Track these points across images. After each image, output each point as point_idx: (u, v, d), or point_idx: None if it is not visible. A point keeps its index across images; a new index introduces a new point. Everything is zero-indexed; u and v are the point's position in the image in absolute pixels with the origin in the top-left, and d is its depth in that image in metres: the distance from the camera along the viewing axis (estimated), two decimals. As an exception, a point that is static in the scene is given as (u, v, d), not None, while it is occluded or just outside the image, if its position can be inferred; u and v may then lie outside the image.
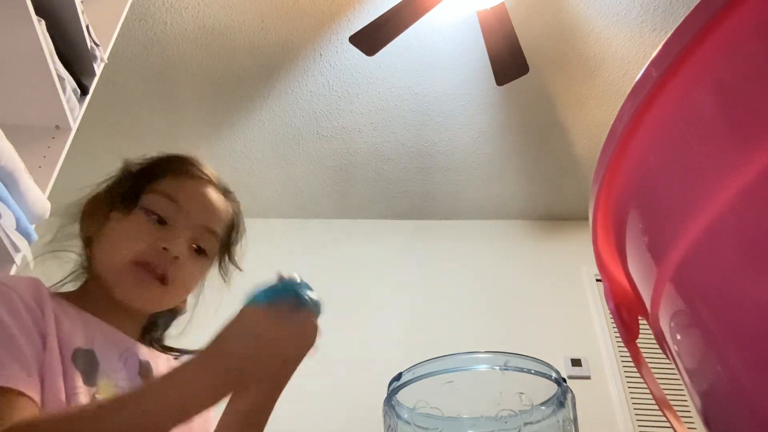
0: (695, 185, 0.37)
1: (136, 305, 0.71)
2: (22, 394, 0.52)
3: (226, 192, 0.79)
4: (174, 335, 0.81)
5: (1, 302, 0.59)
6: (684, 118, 0.38)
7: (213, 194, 0.75)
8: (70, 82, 1.33)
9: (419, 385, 0.78)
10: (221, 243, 0.77)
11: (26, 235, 1.12)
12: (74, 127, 1.37)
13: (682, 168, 0.39)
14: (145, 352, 0.71)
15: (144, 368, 0.68)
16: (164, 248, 0.68)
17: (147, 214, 0.70)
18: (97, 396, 0.60)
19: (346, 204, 3.04)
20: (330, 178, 2.88)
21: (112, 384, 0.63)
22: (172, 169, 0.75)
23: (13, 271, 1.10)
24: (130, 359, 0.67)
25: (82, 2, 1.34)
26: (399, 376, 0.81)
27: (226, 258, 0.80)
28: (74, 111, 1.36)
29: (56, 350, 0.59)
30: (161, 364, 0.73)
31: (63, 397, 0.57)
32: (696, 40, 0.35)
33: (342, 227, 3.08)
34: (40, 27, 1.16)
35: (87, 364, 0.62)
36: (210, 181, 0.76)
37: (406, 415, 0.78)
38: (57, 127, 1.34)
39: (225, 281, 0.81)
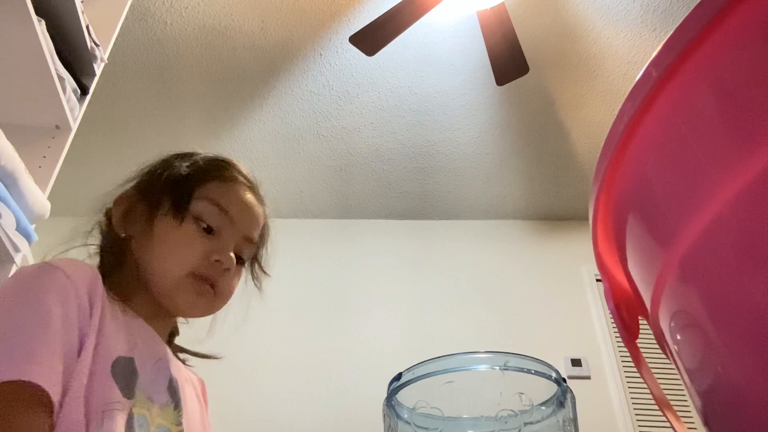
0: (695, 185, 0.37)
1: (189, 314, 0.72)
2: (44, 393, 0.50)
3: (260, 196, 0.79)
4: (199, 338, 0.81)
5: (56, 291, 0.57)
6: (684, 118, 0.38)
7: (254, 201, 0.76)
8: (70, 82, 1.33)
9: (419, 385, 0.78)
10: (256, 248, 0.79)
11: (26, 235, 1.12)
12: (74, 127, 1.37)
13: (681, 168, 0.39)
14: (172, 362, 0.71)
15: (172, 384, 0.68)
16: (217, 260, 0.69)
17: (197, 222, 0.70)
18: (133, 410, 0.58)
19: (346, 204, 3.04)
20: (330, 178, 2.88)
21: (146, 397, 0.61)
22: (220, 174, 0.75)
23: (12, 271, 1.10)
24: (162, 371, 0.67)
25: (82, 2, 1.34)
26: (399, 376, 0.81)
27: (256, 265, 0.82)
28: (74, 111, 1.36)
29: (91, 357, 0.56)
30: (183, 380, 0.72)
31: (96, 410, 0.54)
32: (696, 40, 0.35)
33: (342, 227, 3.08)
34: (40, 27, 1.16)
35: (127, 374, 0.60)
36: (251, 187, 0.77)
37: (406, 415, 0.78)
38: (57, 127, 1.34)
39: (258, 288, 0.82)
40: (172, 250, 0.69)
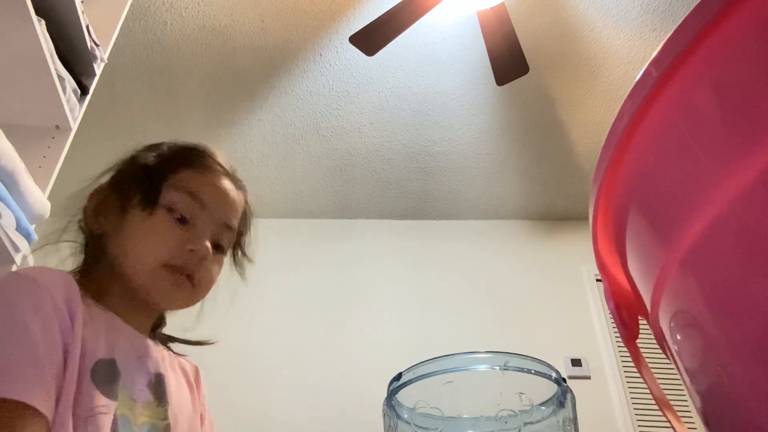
0: (695, 185, 0.37)
1: (168, 307, 0.71)
2: (37, 412, 0.49)
3: (237, 182, 0.78)
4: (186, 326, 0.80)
5: (31, 305, 0.55)
6: (684, 118, 0.38)
7: (229, 187, 0.74)
8: (70, 82, 1.33)
9: (419, 385, 0.78)
10: (236, 235, 0.77)
11: (26, 235, 1.12)
12: (74, 127, 1.37)
13: (682, 168, 0.39)
14: (155, 355, 0.70)
15: (156, 380, 0.67)
16: (191, 250, 0.67)
17: (170, 212, 0.68)
18: (117, 411, 0.57)
19: (346, 204, 3.04)
20: (330, 178, 2.88)
21: (128, 396, 0.61)
22: (191, 162, 0.73)
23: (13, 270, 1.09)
24: (143, 367, 0.66)
25: (82, 2, 1.34)
26: (399, 376, 0.81)
27: (239, 251, 0.80)
28: (74, 111, 1.36)
29: (76, 365, 0.55)
30: (169, 372, 0.71)
31: (80, 417, 0.53)
32: (696, 40, 0.35)
33: (342, 227, 3.08)
34: (40, 27, 1.16)
35: (108, 376, 0.59)
36: (226, 173, 0.75)
37: (406, 415, 0.78)
38: (57, 127, 1.34)
39: (241, 276, 0.81)
40: (144, 242, 0.67)
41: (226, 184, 0.74)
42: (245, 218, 0.78)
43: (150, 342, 0.70)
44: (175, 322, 0.79)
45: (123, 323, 0.66)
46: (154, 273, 0.66)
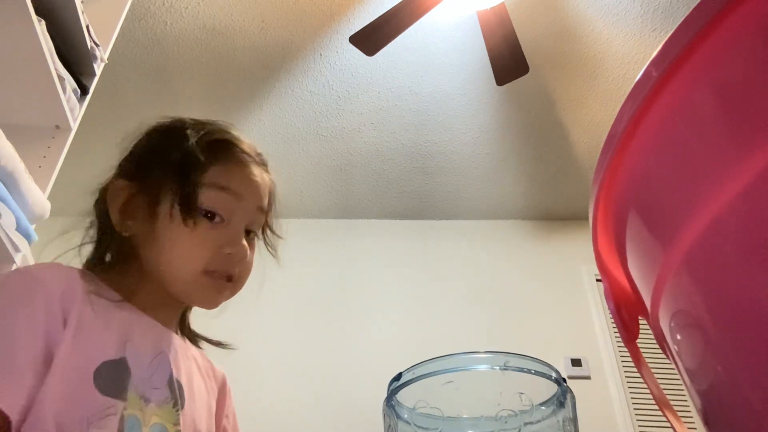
0: (695, 185, 0.37)
1: (209, 307, 0.70)
2: (3, 416, 0.47)
3: (262, 163, 0.75)
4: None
5: (23, 301, 0.54)
6: (684, 118, 0.38)
7: (257, 172, 0.72)
8: (70, 82, 1.33)
9: (419, 385, 0.78)
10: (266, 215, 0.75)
11: (26, 235, 1.11)
12: (74, 127, 1.37)
13: (682, 168, 0.39)
14: (180, 352, 0.68)
15: (172, 379, 0.64)
16: (230, 253, 0.66)
17: (205, 215, 0.66)
18: (124, 412, 0.56)
19: (346, 204, 3.04)
20: (330, 178, 2.88)
21: (139, 396, 0.58)
22: (221, 157, 0.69)
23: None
24: (162, 365, 0.63)
25: (82, 2, 1.34)
26: (399, 376, 0.81)
27: (269, 231, 0.78)
28: (74, 111, 1.36)
29: (64, 368, 0.53)
30: (195, 373, 0.69)
31: (79, 420, 0.52)
32: (696, 40, 0.35)
33: (342, 227, 3.08)
34: (40, 27, 1.16)
35: (115, 377, 0.57)
36: (253, 159, 0.73)
37: (406, 415, 0.78)
38: (57, 127, 1.34)
39: (275, 256, 0.80)
40: (183, 252, 0.65)
41: (255, 170, 0.72)
42: (271, 196, 0.76)
43: (176, 338, 0.69)
44: (199, 311, 0.76)
45: (147, 318, 0.65)
46: (195, 280, 0.65)
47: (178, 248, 0.65)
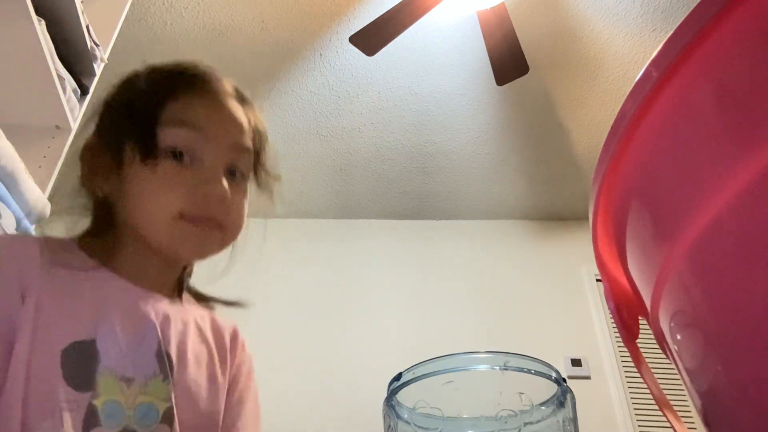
0: (695, 185, 0.37)
1: (198, 259, 0.63)
2: None
3: (240, 96, 0.68)
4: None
5: None
6: (684, 118, 0.38)
7: (231, 104, 0.65)
8: (70, 82, 1.33)
9: (419, 385, 0.78)
10: (253, 154, 0.67)
11: (26, 235, 1.11)
12: (74, 127, 1.37)
13: (681, 168, 0.39)
14: (173, 317, 0.62)
15: (161, 350, 0.58)
16: (205, 193, 0.59)
17: (172, 155, 0.59)
18: (94, 402, 0.51)
19: (346, 204, 3.04)
20: (330, 178, 2.88)
21: (117, 378, 0.54)
22: (179, 88, 0.62)
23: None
24: (148, 337, 0.58)
25: (82, 2, 1.34)
26: (399, 376, 0.81)
27: (261, 172, 0.70)
28: (74, 111, 1.36)
29: (27, 351, 0.49)
30: (191, 337, 0.63)
31: (42, 411, 0.48)
32: (696, 40, 0.35)
33: (342, 227, 3.08)
34: (40, 27, 1.16)
35: (83, 362, 0.52)
36: (223, 90, 0.65)
37: (406, 415, 0.78)
38: (57, 127, 1.34)
39: (271, 199, 0.71)
40: (152, 198, 0.58)
41: (226, 101, 0.64)
42: (258, 134, 0.68)
43: (167, 303, 0.62)
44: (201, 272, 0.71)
45: (127, 284, 0.59)
46: (172, 228, 0.58)
47: (147, 194, 0.59)
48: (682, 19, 0.36)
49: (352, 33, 2.04)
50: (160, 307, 0.61)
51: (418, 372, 0.79)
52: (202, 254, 0.62)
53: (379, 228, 3.09)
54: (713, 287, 0.38)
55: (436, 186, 2.93)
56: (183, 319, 0.64)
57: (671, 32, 0.36)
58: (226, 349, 0.68)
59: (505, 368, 0.77)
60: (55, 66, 1.24)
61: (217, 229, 0.61)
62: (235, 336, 0.71)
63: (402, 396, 0.80)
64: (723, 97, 0.36)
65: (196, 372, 0.62)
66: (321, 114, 2.56)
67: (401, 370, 0.81)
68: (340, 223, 3.10)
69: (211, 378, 0.64)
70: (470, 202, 3.03)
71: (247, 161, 0.65)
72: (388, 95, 2.48)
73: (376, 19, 1.97)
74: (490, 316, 2.74)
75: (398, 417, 0.79)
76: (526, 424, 0.72)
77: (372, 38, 2.02)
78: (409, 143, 2.71)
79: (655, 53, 0.37)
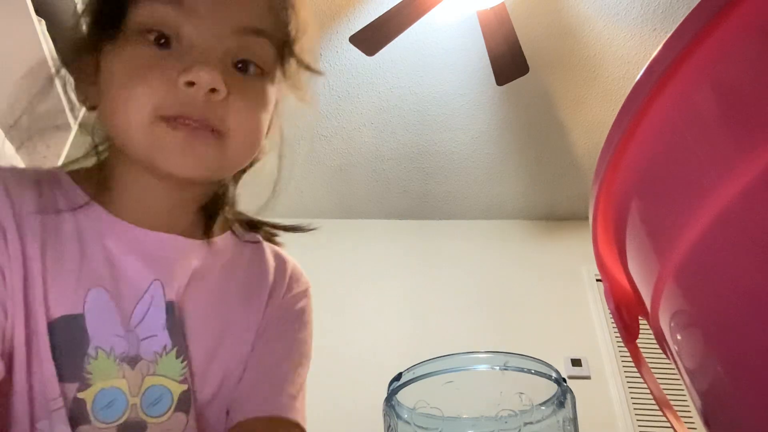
0: (695, 185, 0.37)
1: (188, 174, 0.47)
2: None
3: None
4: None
5: None
6: (684, 118, 0.38)
7: None
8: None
9: (419, 385, 0.77)
10: (277, 42, 0.50)
11: (26, 235, 1.11)
12: (74, 127, 1.37)
13: (682, 168, 0.39)
14: (190, 266, 0.49)
15: (173, 314, 0.47)
16: (188, 82, 0.44)
17: (142, 36, 0.45)
18: (79, 396, 0.42)
19: (346, 204, 3.04)
20: (330, 178, 2.88)
21: (112, 361, 0.43)
22: None
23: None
24: (155, 303, 0.46)
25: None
26: (399, 376, 0.81)
27: (292, 62, 0.53)
28: (74, 111, 1.36)
29: (23, 324, 0.41)
30: (214, 284, 0.50)
31: (40, 409, 0.40)
32: (696, 40, 0.35)
33: (342, 227, 3.08)
34: (40, 27, 1.16)
35: (68, 344, 0.42)
36: None
37: (406, 415, 0.78)
38: (57, 127, 1.34)
39: (302, 99, 0.56)
40: (123, 95, 0.45)
41: None
42: (285, 11, 0.50)
43: (182, 245, 0.49)
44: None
45: (130, 228, 0.47)
46: (150, 133, 0.44)
47: (118, 88, 0.45)
48: (682, 19, 0.36)
49: (352, 33, 2.04)
50: (170, 254, 0.48)
51: (418, 372, 0.79)
52: (194, 167, 0.46)
53: (379, 228, 3.09)
54: (713, 287, 0.38)
55: (436, 186, 2.94)
56: (208, 266, 0.51)
57: (671, 32, 0.36)
58: (269, 290, 0.55)
59: (505, 368, 0.77)
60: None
61: (211, 134, 0.46)
62: (284, 273, 0.57)
63: (402, 396, 0.80)
64: (723, 97, 0.36)
65: (221, 327, 0.50)
66: (321, 114, 2.56)
67: (401, 370, 0.81)
68: (340, 223, 3.10)
69: (244, 331, 0.52)
70: (470, 202, 3.03)
71: (263, 50, 0.49)
72: (388, 95, 2.48)
73: (376, 19, 1.97)
74: (490, 316, 2.74)
75: (398, 417, 0.79)
76: (526, 424, 0.72)
77: (372, 38, 2.02)
78: (409, 143, 2.71)
79: (655, 53, 0.37)
